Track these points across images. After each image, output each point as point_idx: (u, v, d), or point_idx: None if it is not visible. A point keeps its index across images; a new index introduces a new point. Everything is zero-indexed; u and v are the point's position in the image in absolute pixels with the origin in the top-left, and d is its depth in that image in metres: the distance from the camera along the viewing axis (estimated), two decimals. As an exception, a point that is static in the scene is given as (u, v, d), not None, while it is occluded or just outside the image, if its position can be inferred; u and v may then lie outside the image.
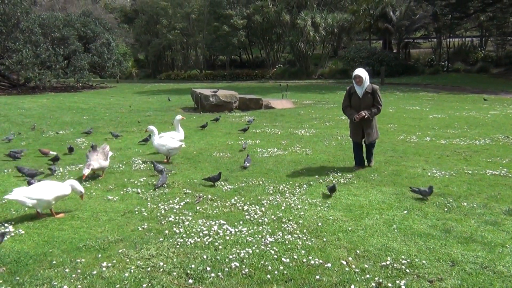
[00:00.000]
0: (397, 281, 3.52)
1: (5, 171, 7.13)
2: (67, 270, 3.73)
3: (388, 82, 26.98)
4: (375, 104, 6.75)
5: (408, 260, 3.85)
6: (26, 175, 6.50)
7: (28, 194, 4.82)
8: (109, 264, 3.82)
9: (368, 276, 3.61)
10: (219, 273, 3.67)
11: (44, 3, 42.18)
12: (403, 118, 12.65)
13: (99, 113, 14.97)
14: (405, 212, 5.04)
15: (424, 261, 3.84)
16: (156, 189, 6.00)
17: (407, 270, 3.69)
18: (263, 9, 33.14)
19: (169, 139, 7.79)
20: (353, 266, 3.77)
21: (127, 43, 42.71)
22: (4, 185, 6.28)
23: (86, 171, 6.13)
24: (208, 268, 3.74)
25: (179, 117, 8.65)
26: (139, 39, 39.95)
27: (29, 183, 5.73)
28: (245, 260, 3.88)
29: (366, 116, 6.68)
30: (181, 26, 36.74)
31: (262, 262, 3.85)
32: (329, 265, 3.78)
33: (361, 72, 6.75)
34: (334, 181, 6.25)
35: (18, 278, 3.61)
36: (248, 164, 7.18)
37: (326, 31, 32.45)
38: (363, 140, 7.02)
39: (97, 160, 6.35)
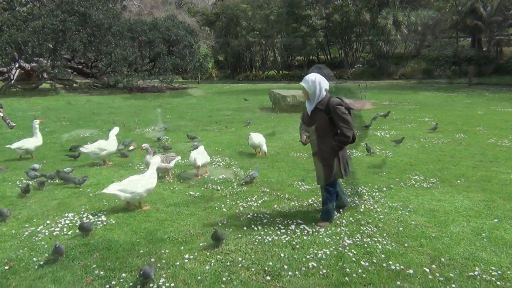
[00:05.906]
0: (487, 293, 3.31)
1: (98, 166, 7.69)
2: (152, 259, 3.94)
3: (476, 82, 25.37)
4: (338, 129, 4.54)
5: (499, 272, 3.60)
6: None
7: (122, 188, 5.17)
8: (191, 257, 3.99)
9: (453, 285, 3.43)
10: (297, 272, 3.68)
11: (133, 9, 44.92)
12: (493, 120, 11.80)
13: (181, 113, 15.67)
14: (496, 220, 4.71)
15: (517, 274, 3.56)
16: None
17: (498, 283, 3.45)
18: (343, 8, 32.62)
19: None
20: (437, 274, 3.59)
21: (208, 45, 44.21)
22: (97, 178, 6.81)
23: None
24: (286, 267, 3.77)
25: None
26: (219, 41, 41.15)
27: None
28: (322, 261, 3.86)
29: (304, 140, 4.78)
30: (260, 27, 37.28)
31: (340, 263, 3.81)
32: (411, 271, 3.64)
33: (306, 80, 4.60)
34: (416, 185, 5.99)
35: (109, 264, 3.89)
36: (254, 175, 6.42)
37: (409, 29, 31.21)
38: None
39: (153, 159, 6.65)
